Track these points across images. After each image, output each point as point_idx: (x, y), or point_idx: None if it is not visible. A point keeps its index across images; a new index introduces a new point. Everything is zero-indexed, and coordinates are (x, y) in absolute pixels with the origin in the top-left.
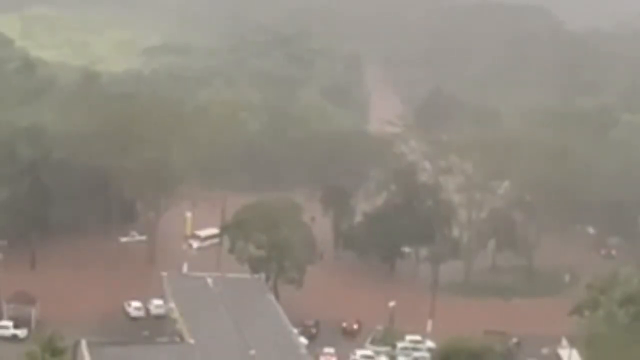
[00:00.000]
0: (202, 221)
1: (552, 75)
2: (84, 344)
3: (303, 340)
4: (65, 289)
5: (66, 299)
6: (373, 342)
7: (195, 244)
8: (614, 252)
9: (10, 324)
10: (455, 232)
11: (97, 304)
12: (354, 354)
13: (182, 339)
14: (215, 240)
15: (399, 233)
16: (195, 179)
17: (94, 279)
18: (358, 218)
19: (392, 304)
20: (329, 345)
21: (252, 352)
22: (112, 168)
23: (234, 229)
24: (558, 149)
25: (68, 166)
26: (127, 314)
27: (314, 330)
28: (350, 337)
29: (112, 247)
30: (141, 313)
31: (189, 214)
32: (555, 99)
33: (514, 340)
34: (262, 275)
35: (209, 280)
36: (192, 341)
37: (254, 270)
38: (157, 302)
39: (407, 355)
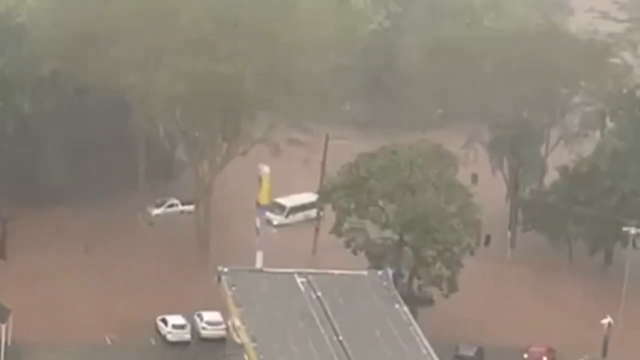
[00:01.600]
0: (289, 181)
1: None
2: None
3: None
4: (56, 293)
5: (59, 309)
6: None
7: (276, 219)
8: None
9: None
10: None
11: (110, 319)
12: None
13: None
14: (311, 214)
15: (623, 200)
16: (275, 107)
17: (103, 277)
18: (551, 176)
19: (607, 320)
20: None
21: None
22: (133, 89)
23: (341, 195)
24: None
25: (56, 90)
26: (160, 335)
27: None
28: None
29: (134, 224)
30: (184, 334)
31: (265, 169)
32: None
33: None
34: (389, 272)
35: (300, 281)
36: None
37: (376, 263)
38: (212, 316)
39: None
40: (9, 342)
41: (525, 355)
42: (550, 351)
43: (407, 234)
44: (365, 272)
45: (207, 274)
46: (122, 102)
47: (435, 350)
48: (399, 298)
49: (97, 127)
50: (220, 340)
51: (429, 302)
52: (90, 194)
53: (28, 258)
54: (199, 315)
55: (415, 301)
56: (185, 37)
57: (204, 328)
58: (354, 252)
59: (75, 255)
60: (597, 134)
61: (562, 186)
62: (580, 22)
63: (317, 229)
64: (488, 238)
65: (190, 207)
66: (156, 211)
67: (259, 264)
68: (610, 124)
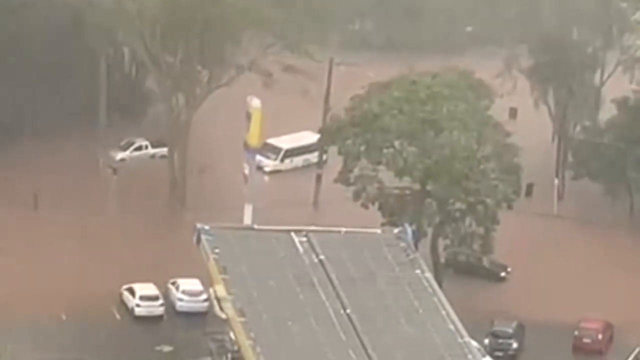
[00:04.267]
0: (284, 118)
1: None
2: None
3: None
4: (4, 257)
5: (7, 276)
6: None
7: (268, 165)
8: None
9: None
10: None
11: (65, 289)
12: None
13: None
14: (312, 158)
15: None
16: (267, 25)
17: (56, 237)
18: (608, 111)
19: None
20: None
21: None
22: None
23: (349, 134)
24: None
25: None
26: (126, 307)
27: (513, 343)
28: (590, 356)
29: (94, 171)
30: (156, 307)
31: (255, 103)
32: None
33: None
34: (408, 230)
35: (298, 241)
36: None
37: (392, 218)
38: (190, 285)
39: None
40: None
41: (576, 332)
42: (607, 327)
43: (430, 182)
44: (378, 230)
45: (184, 232)
46: (76, 18)
47: (466, 326)
48: (421, 262)
49: (46, 50)
50: (201, 315)
51: (497, 278)
52: (38, 134)
53: None
54: (174, 284)
55: (435, 265)
56: None
57: (180, 299)
58: (365, 205)
59: (21, 211)
60: None
61: (621, 122)
62: None
63: (319, 177)
64: (530, 187)
65: (163, 150)
66: (121, 155)
67: (247, 220)
68: None
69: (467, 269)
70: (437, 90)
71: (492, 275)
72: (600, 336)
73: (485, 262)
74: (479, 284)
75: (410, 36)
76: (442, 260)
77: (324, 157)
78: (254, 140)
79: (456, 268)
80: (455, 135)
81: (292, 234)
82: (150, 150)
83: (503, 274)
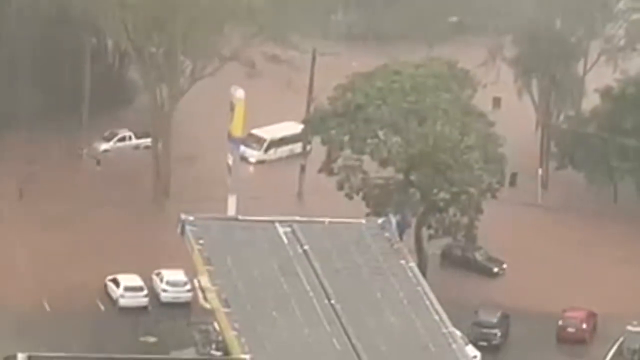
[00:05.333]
0: (268, 108)
1: None
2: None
3: (471, 350)
4: None
5: None
6: (625, 353)
7: (252, 155)
8: None
9: None
10: None
11: (49, 279)
12: None
13: (226, 354)
14: (296, 148)
15: None
16: (250, 16)
17: (41, 228)
18: (591, 100)
19: None
20: None
21: None
22: None
23: (333, 124)
24: None
25: None
26: (110, 298)
27: (497, 332)
28: (574, 345)
29: (78, 162)
30: (140, 298)
31: (238, 93)
32: None
33: None
34: (392, 220)
35: (283, 232)
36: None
37: (376, 208)
38: (174, 276)
39: None
40: None
41: (561, 322)
42: (590, 316)
43: (414, 172)
44: (362, 220)
45: (168, 223)
46: (59, 9)
47: (450, 316)
48: (405, 252)
49: (29, 41)
50: (185, 305)
51: (490, 273)
52: (21, 125)
53: None
54: (158, 275)
55: (420, 256)
56: None
57: (164, 290)
58: (349, 196)
59: (5, 201)
60: None
61: (605, 112)
62: None
63: (303, 167)
64: (514, 177)
65: (147, 141)
66: (104, 146)
67: (231, 210)
68: None
69: (462, 263)
70: (420, 80)
71: (485, 270)
72: (584, 325)
73: (479, 256)
74: (469, 276)
75: (393, 26)
76: (431, 251)
77: (308, 147)
78: (237, 130)
79: (450, 262)
80: (439, 125)
81: (277, 224)
82: (134, 141)
83: (496, 269)
